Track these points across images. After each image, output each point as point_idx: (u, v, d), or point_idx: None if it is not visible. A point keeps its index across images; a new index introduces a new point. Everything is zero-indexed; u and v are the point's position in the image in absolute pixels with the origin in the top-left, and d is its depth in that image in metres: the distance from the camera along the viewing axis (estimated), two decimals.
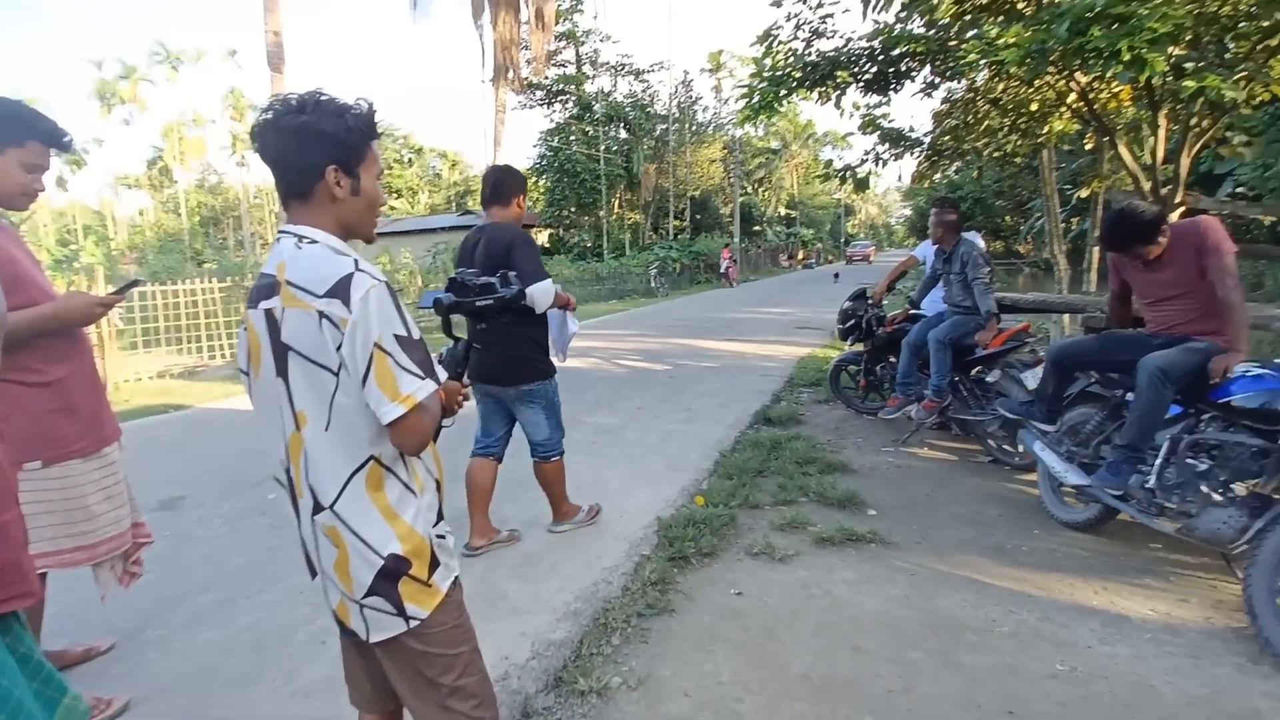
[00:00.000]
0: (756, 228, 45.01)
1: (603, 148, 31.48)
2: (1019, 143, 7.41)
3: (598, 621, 2.64)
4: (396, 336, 1.19)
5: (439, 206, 47.30)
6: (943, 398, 4.62)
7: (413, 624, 1.29)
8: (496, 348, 2.90)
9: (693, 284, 28.01)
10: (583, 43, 33.15)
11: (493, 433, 3.31)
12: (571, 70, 33.22)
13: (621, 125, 33.71)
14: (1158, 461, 2.86)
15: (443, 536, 1.35)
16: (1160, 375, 2.78)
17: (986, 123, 7.03)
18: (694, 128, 37.98)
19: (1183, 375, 2.79)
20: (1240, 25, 4.66)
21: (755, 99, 6.30)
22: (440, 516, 1.37)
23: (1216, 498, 2.68)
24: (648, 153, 34.70)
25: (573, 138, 31.98)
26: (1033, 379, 4.05)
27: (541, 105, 33.46)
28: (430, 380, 1.23)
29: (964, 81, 6.75)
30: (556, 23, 31.24)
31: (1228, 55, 4.88)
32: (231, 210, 45.54)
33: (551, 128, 33.05)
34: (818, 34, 6.33)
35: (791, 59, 6.23)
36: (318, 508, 1.26)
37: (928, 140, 7.16)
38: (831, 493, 3.88)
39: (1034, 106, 6.65)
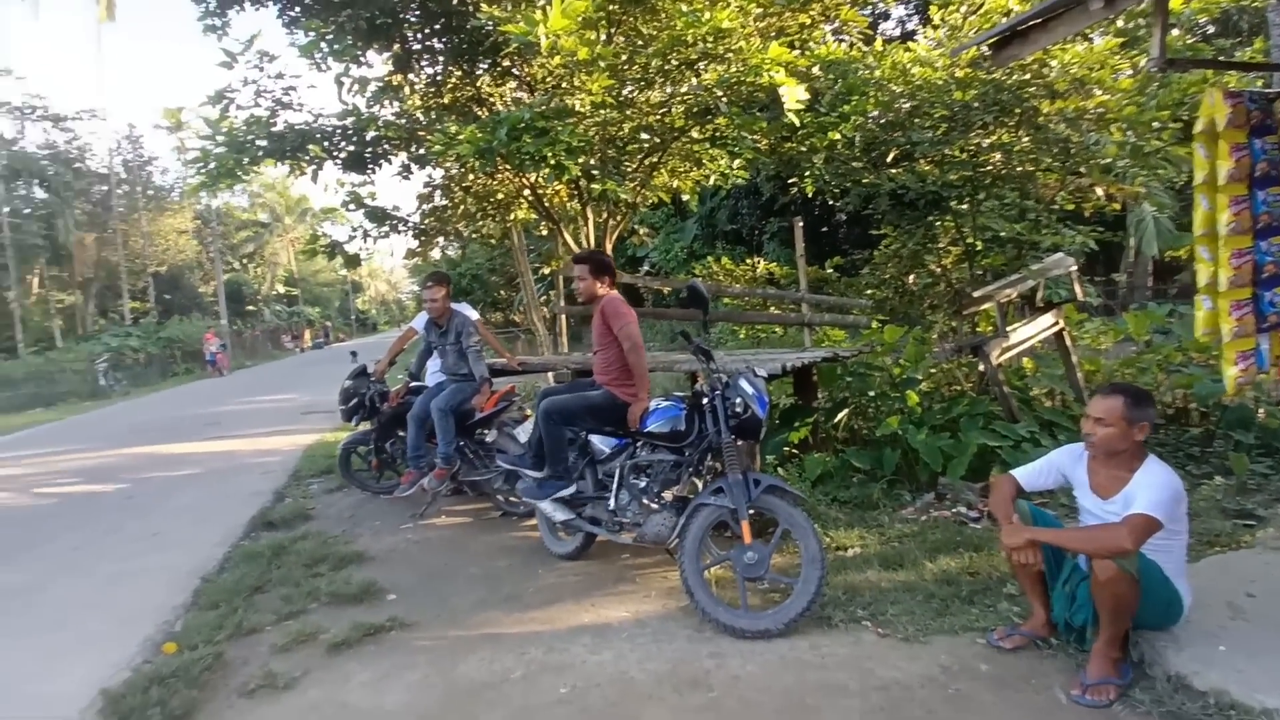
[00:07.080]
0: (251, 307, 40.11)
1: (6, 210, 23.72)
2: (492, 226, 8.40)
3: None
4: None
5: None
6: (451, 464, 4.74)
7: None
8: None
9: (167, 377, 23.17)
10: None
11: None
12: None
13: (37, 183, 26.14)
14: (614, 487, 3.47)
15: None
16: (544, 415, 3.47)
17: (463, 207, 7.76)
18: (150, 192, 32.01)
19: (569, 416, 3.50)
20: (629, 146, 6.22)
21: (213, 165, 5.60)
22: None
23: (654, 506, 3.37)
24: (81, 219, 27.65)
25: None
26: (524, 433, 4.48)
27: None
28: None
29: (441, 169, 7.30)
30: None
31: (623, 167, 6.46)
32: None
33: None
34: (282, 105, 6.01)
35: (255, 126, 5.75)
36: None
37: (414, 220, 7.49)
38: (346, 589, 3.55)
39: (499, 196, 7.64)
